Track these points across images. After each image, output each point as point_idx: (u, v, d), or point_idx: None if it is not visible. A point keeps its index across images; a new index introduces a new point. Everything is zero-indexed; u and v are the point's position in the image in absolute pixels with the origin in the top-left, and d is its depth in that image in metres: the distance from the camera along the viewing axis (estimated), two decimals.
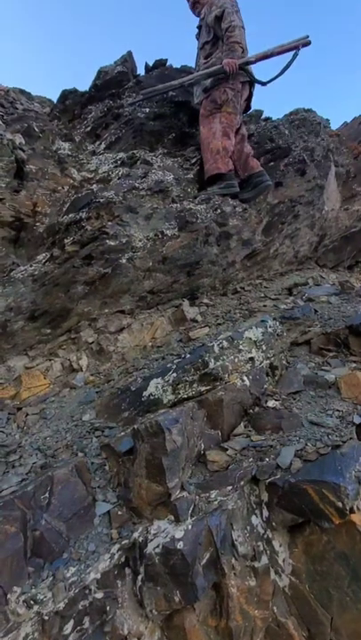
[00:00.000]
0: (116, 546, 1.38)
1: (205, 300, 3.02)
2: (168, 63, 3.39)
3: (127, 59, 3.25)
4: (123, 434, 1.75)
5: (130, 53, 3.26)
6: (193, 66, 3.38)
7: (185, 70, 3.39)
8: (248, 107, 3.23)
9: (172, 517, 1.31)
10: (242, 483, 1.33)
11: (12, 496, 1.45)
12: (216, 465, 1.42)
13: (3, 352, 2.51)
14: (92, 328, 2.79)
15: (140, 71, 3.45)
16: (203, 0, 3.15)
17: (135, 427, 1.54)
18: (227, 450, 1.46)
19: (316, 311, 2.35)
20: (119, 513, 1.49)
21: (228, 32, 2.76)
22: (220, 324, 2.58)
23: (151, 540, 1.31)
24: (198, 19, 3.18)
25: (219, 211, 2.87)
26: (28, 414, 2.27)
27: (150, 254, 2.70)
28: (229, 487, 1.33)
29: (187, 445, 1.43)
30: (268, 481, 1.30)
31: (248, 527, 1.31)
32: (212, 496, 1.33)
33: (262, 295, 2.94)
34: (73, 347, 2.75)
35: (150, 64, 3.39)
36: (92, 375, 2.52)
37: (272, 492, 1.29)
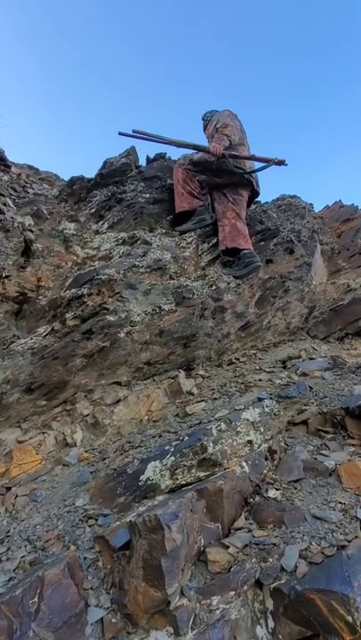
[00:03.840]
0: None
1: (201, 372, 3.05)
2: (167, 156, 3.82)
3: (130, 152, 3.64)
4: (118, 523, 1.67)
5: (133, 147, 3.65)
6: None
7: None
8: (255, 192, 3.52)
9: (172, 630, 1.22)
10: (245, 587, 1.26)
11: None
12: (217, 566, 1.35)
13: None
14: (88, 400, 2.77)
15: (142, 162, 3.84)
16: (210, 127, 3.80)
17: (132, 520, 1.48)
18: (228, 547, 1.39)
19: (311, 388, 2.40)
20: (113, 620, 1.37)
21: (221, 127, 3.25)
22: (216, 399, 2.59)
23: None
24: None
25: (214, 287, 3.03)
26: (17, 495, 2.17)
27: (148, 328, 2.78)
28: (232, 592, 1.25)
29: (186, 543, 1.37)
30: (272, 586, 1.23)
31: None
32: (214, 603, 1.24)
33: (257, 367, 3.00)
34: (68, 419, 2.70)
35: (151, 157, 3.80)
36: (86, 451, 2.45)
37: (278, 600, 1.21)
